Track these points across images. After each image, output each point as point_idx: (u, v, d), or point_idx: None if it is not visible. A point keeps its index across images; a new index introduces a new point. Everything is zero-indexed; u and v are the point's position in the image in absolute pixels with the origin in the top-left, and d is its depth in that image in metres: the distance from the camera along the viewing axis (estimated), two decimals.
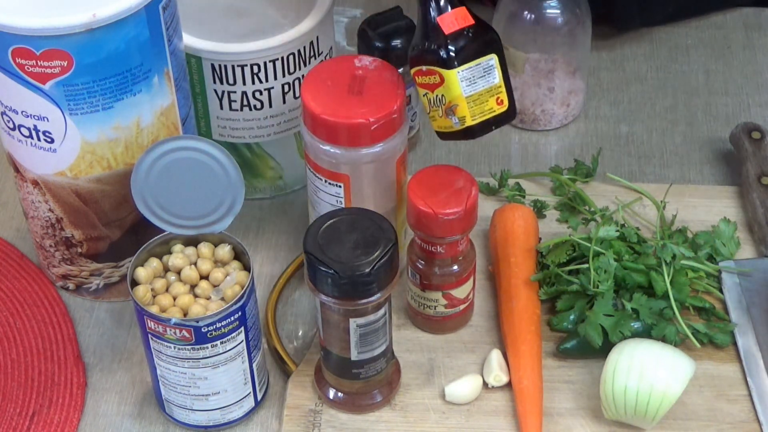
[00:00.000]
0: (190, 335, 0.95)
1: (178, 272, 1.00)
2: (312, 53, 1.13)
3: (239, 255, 1.01)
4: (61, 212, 1.07)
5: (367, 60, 1.06)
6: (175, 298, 0.99)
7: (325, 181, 1.06)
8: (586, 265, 1.07)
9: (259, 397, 1.04)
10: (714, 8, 1.41)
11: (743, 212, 1.18)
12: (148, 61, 0.99)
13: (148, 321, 0.96)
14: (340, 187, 1.05)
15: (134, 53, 0.98)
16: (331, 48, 1.17)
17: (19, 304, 1.13)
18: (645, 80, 1.35)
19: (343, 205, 1.06)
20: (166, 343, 0.97)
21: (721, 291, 1.11)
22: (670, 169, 1.25)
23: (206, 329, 0.95)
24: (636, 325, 1.04)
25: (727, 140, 1.26)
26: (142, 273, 0.99)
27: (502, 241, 1.12)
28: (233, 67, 1.11)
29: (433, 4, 0.99)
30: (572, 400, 1.04)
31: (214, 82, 1.13)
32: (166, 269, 1.00)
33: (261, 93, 1.13)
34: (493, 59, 1.01)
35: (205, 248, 1.01)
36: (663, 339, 1.04)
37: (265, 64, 1.11)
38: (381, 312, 0.98)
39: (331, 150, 1.04)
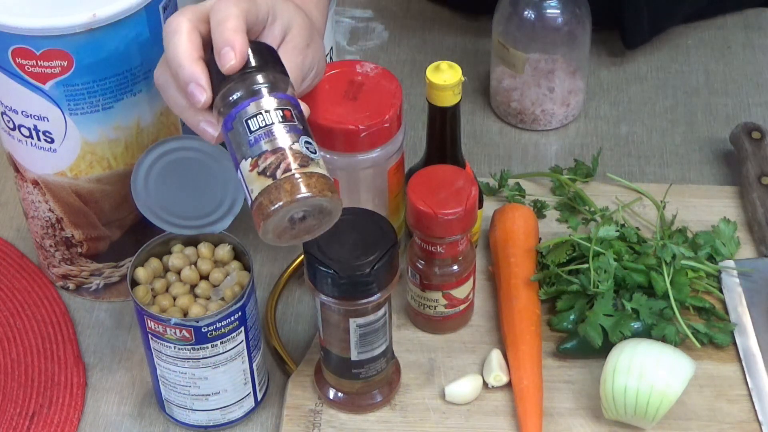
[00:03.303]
0: (190, 335, 0.95)
1: (178, 272, 1.00)
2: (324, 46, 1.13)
3: (239, 255, 1.01)
4: (61, 212, 1.07)
5: (368, 66, 1.06)
6: (175, 299, 0.99)
7: None
8: (586, 265, 1.07)
9: (259, 397, 1.04)
10: (721, 13, 1.41)
11: (743, 212, 1.18)
12: (148, 61, 0.99)
13: (148, 321, 0.96)
14: None
15: (134, 53, 0.98)
16: (331, 48, 1.17)
17: (19, 304, 1.13)
18: (645, 80, 1.35)
19: None
20: (166, 343, 0.97)
21: (721, 291, 1.11)
22: (670, 169, 1.25)
23: (206, 329, 0.95)
24: (636, 325, 1.04)
25: (727, 140, 1.26)
26: (142, 273, 0.99)
27: (502, 241, 1.12)
28: None
29: None
30: (572, 400, 1.04)
31: None
32: (166, 269, 1.01)
33: None
34: None
35: (204, 248, 1.01)
36: (663, 339, 1.04)
37: None
38: (381, 312, 0.98)
39: (323, 154, 1.04)
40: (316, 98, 1.03)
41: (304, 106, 0.90)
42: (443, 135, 1.07)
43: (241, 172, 0.86)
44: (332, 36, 1.16)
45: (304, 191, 0.84)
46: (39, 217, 1.08)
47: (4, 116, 1.02)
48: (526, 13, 1.22)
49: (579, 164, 1.21)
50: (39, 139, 1.02)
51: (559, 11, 1.22)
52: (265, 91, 0.87)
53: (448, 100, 1.04)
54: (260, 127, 0.86)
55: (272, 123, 0.86)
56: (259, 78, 0.88)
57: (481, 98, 1.33)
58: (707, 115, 1.31)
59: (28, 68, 0.97)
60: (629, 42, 1.34)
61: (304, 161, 0.85)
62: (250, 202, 0.86)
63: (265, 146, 0.85)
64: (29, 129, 1.01)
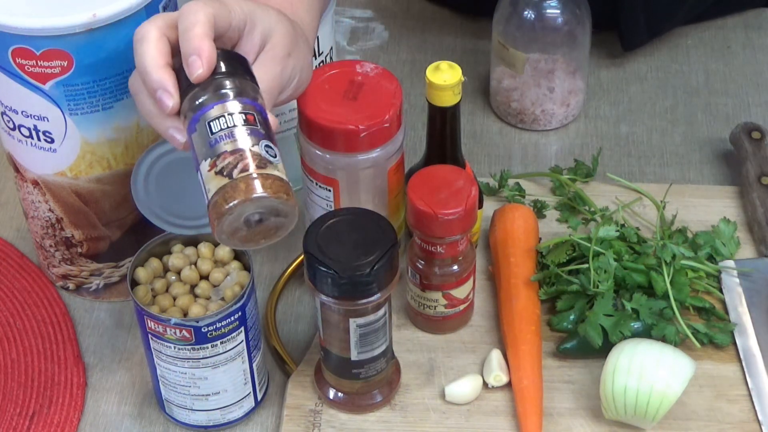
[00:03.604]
0: (190, 335, 0.95)
1: (178, 272, 1.00)
2: (314, 44, 1.13)
3: (239, 255, 1.01)
4: (61, 212, 1.07)
5: (368, 66, 1.06)
6: (175, 299, 0.99)
7: (317, 184, 1.06)
8: (586, 265, 1.07)
9: (259, 397, 1.04)
10: (720, 15, 1.41)
11: (743, 212, 1.18)
12: None
13: (148, 321, 0.96)
14: (330, 191, 1.05)
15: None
16: (331, 48, 1.17)
17: (19, 304, 1.13)
18: (645, 80, 1.35)
19: (332, 209, 1.06)
20: (166, 343, 0.97)
21: (721, 291, 1.11)
22: (670, 169, 1.25)
23: (206, 329, 0.96)
24: (636, 325, 1.04)
25: (727, 140, 1.26)
26: (142, 273, 0.99)
27: (502, 241, 1.12)
28: None
29: None
30: (572, 400, 1.04)
31: None
32: (166, 269, 1.01)
33: None
34: None
35: (204, 248, 1.01)
36: (663, 339, 1.04)
37: None
38: (381, 312, 0.98)
39: (323, 154, 1.04)
40: (316, 98, 1.03)
41: (272, 119, 0.90)
42: (443, 135, 1.07)
43: (200, 173, 0.87)
44: (332, 36, 1.16)
45: (258, 191, 0.85)
46: (39, 217, 1.08)
47: (4, 116, 1.02)
48: (526, 13, 1.22)
49: (579, 164, 1.21)
50: (39, 139, 1.02)
51: (559, 11, 1.22)
52: (229, 95, 0.88)
53: (448, 100, 1.04)
54: (221, 129, 0.87)
55: (234, 125, 0.87)
56: (225, 83, 0.88)
57: (481, 98, 1.33)
58: (707, 115, 1.31)
59: (28, 68, 0.97)
60: (627, 44, 1.34)
61: (262, 163, 0.86)
62: (206, 201, 0.87)
63: (224, 147, 0.86)
64: (29, 129, 1.01)
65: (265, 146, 0.87)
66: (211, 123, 0.87)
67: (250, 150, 0.86)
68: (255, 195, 0.85)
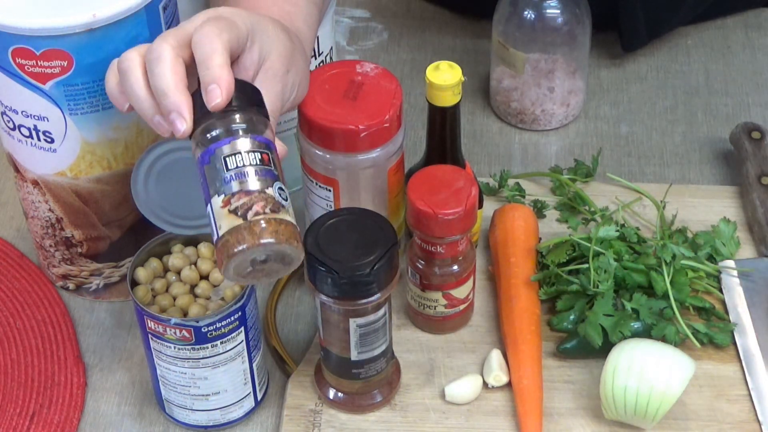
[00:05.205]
0: (190, 335, 0.96)
1: (178, 272, 1.00)
2: (312, 53, 1.13)
3: None
4: (61, 212, 1.07)
5: (368, 66, 1.06)
6: (175, 298, 0.99)
7: (316, 184, 1.06)
8: (586, 265, 1.07)
9: (259, 397, 1.04)
10: (720, 16, 1.41)
11: (743, 212, 1.18)
12: None
13: (148, 321, 0.96)
14: (330, 191, 1.06)
15: None
16: (331, 48, 1.17)
17: (19, 304, 1.13)
18: (645, 80, 1.35)
19: (332, 209, 1.06)
20: (166, 343, 0.97)
21: (721, 291, 1.11)
22: (670, 169, 1.25)
23: (206, 329, 0.96)
24: (636, 325, 1.04)
25: (727, 140, 1.26)
26: (142, 273, 0.99)
27: (502, 241, 1.12)
28: None
29: None
30: (572, 400, 1.04)
31: None
32: (166, 269, 1.01)
33: None
34: None
35: (204, 248, 1.01)
36: (663, 339, 1.04)
37: None
38: (381, 312, 0.98)
39: (322, 154, 1.04)
40: (316, 98, 1.03)
41: (280, 146, 0.91)
42: (443, 135, 1.07)
43: (211, 207, 0.88)
44: (332, 36, 1.16)
45: (271, 237, 0.86)
46: (39, 217, 1.08)
47: (4, 116, 1.02)
48: (526, 13, 1.22)
49: (579, 164, 1.21)
50: (39, 139, 1.02)
51: (559, 11, 1.22)
52: (245, 131, 0.89)
53: (448, 100, 1.04)
54: (237, 167, 0.88)
55: (249, 164, 0.88)
56: (241, 118, 0.89)
57: (481, 98, 1.33)
58: (707, 115, 1.31)
59: (28, 68, 0.97)
60: (627, 45, 1.35)
61: (276, 207, 0.87)
62: (215, 237, 0.87)
63: (239, 186, 0.87)
64: (29, 129, 1.01)
65: (278, 189, 0.88)
66: (227, 159, 0.88)
67: (264, 192, 0.87)
68: (266, 241, 0.86)
